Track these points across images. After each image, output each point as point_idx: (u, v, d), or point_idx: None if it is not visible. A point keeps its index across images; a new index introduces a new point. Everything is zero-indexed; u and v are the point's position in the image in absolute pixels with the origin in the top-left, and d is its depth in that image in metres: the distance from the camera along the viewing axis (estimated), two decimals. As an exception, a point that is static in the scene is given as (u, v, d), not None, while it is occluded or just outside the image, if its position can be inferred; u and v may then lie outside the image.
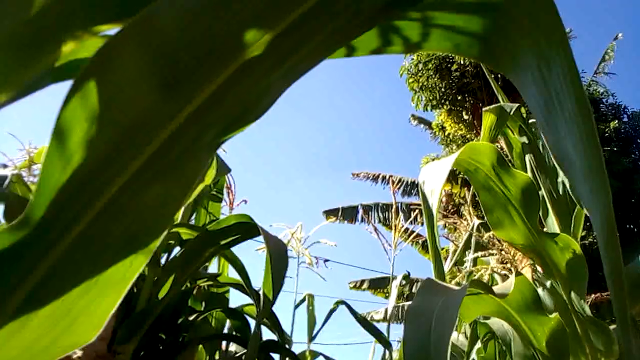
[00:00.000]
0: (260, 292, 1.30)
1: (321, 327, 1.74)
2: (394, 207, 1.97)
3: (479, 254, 1.41)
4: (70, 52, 0.48)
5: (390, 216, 10.87)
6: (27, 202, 0.99)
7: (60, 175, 0.28)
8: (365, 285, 11.14)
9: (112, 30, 0.49)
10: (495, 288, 0.91)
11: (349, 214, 11.14)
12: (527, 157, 1.39)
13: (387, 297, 10.59)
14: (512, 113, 1.34)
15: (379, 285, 10.86)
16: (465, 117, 9.84)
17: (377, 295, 11.06)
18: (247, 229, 1.34)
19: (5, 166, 1.67)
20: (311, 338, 1.74)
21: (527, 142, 1.40)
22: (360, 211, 11.20)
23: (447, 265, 2.04)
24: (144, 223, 0.35)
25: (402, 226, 1.91)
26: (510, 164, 1.10)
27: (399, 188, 10.95)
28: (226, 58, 0.33)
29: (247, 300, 1.74)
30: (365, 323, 1.64)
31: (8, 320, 0.30)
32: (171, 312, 1.42)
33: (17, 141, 1.59)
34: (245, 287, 1.49)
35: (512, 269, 1.28)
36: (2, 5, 0.19)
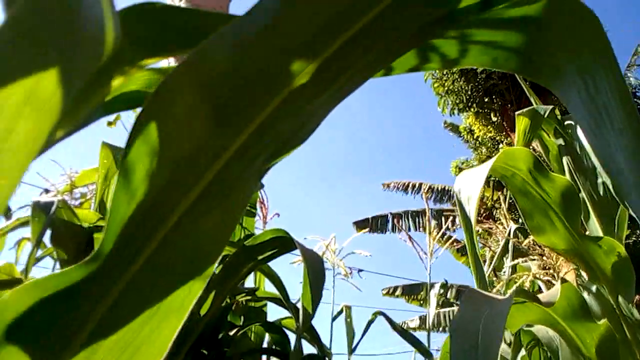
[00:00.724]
0: (299, 305, 1.30)
1: (360, 339, 1.73)
2: (427, 215, 1.95)
3: (519, 260, 1.38)
4: (118, 86, 0.50)
5: (421, 222, 10.76)
6: (72, 227, 1.03)
7: (126, 210, 0.30)
8: (398, 292, 11.01)
9: (156, 63, 0.51)
10: (540, 296, 0.89)
11: (378, 223, 11.08)
12: (565, 160, 1.36)
13: (421, 305, 10.46)
14: (546, 115, 1.31)
15: (413, 291, 10.72)
16: (494, 118, 9.68)
17: (411, 302, 10.91)
18: (283, 243, 1.36)
19: (47, 191, 1.74)
20: (351, 350, 1.73)
21: (563, 144, 1.37)
22: (391, 220, 11.12)
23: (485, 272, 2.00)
24: (200, 250, 0.36)
25: (437, 234, 1.89)
26: (548, 168, 1.08)
27: (430, 196, 10.84)
28: (274, 89, 0.34)
29: (283, 313, 1.75)
30: (404, 333, 1.63)
31: (78, 350, 0.31)
32: (212, 328, 1.44)
33: (58, 166, 1.66)
34: (283, 300, 1.50)
35: (555, 274, 1.25)
36: (78, 57, 0.20)
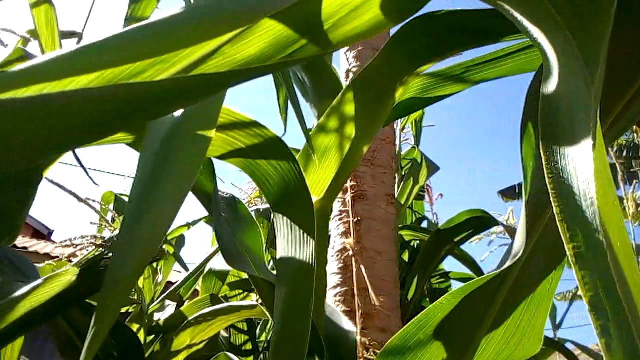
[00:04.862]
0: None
1: (566, 313, 1.64)
2: (619, 175, 1.76)
3: None
4: (399, 96, 0.54)
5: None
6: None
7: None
8: (559, 262, 10.18)
9: (429, 68, 0.54)
10: None
11: (527, 188, 10.35)
12: None
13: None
14: None
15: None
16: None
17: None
18: (479, 223, 1.35)
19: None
20: (557, 325, 1.65)
21: None
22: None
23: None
24: (557, 240, 0.37)
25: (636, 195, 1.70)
26: None
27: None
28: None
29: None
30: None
31: (484, 334, 0.35)
32: (416, 312, 1.49)
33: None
34: (479, 280, 1.49)
35: None
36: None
